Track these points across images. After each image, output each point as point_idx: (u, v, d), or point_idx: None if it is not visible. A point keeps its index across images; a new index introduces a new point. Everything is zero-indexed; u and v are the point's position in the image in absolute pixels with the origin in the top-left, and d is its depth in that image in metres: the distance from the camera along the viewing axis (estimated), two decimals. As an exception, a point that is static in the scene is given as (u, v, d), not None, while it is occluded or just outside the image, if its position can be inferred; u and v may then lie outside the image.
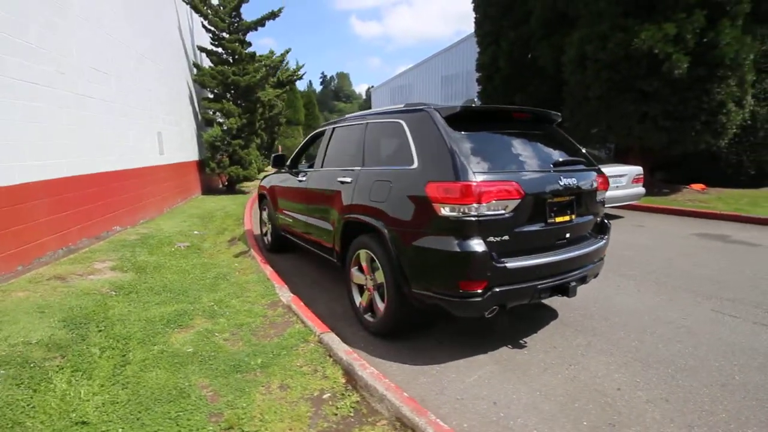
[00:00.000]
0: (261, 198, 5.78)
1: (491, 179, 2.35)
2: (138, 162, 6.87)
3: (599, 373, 2.49)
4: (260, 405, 2.11)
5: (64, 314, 2.99)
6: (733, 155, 9.30)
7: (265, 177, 5.87)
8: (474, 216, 2.29)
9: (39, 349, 2.47)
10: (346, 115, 3.96)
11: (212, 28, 10.46)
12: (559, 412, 2.13)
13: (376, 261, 2.82)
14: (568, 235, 2.70)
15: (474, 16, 12.31)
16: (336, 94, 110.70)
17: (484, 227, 2.32)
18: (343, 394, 2.23)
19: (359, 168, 3.17)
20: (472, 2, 12.23)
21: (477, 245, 2.29)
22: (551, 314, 3.33)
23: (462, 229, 2.31)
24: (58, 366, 2.32)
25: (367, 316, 3.05)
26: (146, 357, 2.49)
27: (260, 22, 10.69)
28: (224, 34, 10.68)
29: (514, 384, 2.38)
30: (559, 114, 3.11)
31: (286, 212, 4.68)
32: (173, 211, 8.47)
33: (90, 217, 5.27)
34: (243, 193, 12.12)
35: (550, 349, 2.79)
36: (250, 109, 11.22)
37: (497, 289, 2.36)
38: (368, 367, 2.32)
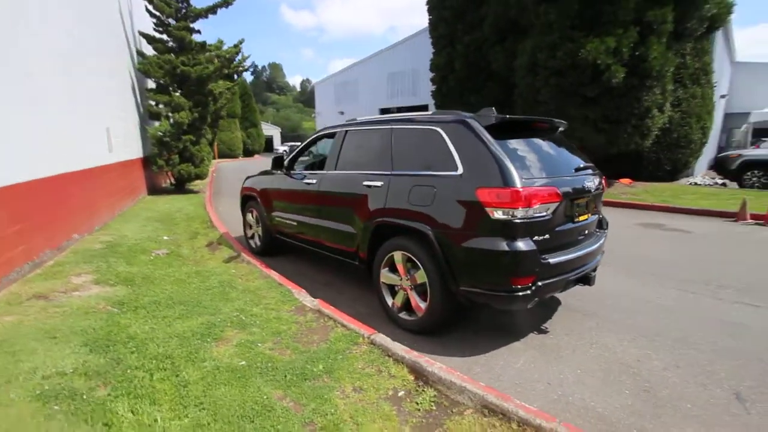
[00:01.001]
0: (245, 200, 5.55)
1: (536, 184, 2.61)
2: (89, 161, 6.17)
3: (617, 349, 2.90)
4: (345, 409, 2.17)
5: (82, 338, 2.71)
6: (653, 153, 10.81)
7: (247, 178, 5.65)
8: (523, 218, 2.54)
9: (78, 378, 2.25)
10: (357, 119, 4.00)
11: (157, 13, 9.58)
12: (602, 384, 2.48)
13: (417, 262, 2.96)
14: (586, 232, 3.08)
15: (428, 17, 12.70)
16: (269, 85, 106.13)
17: (531, 228, 2.58)
18: (417, 390, 2.36)
19: (389, 172, 3.26)
20: (427, 4, 12.61)
21: (527, 244, 2.55)
22: (556, 301, 3.74)
23: (513, 230, 2.54)
24: (110, 395, 2.14)
25: (403, 315, 3.18)
26: (203, 375, 2.39)
27: (212, 10, 10.01)
28: (171, 21, 9.84)
29: (556, 365, 2.69)
30: (565, 122, 3.48)
31: (285, 215, 4.59)
32: (126, 215, 7.72)
33: (50, 226, 4.68)
34: (193, 192, 11.34)
35: (569, 332, 3.16)
36: (201, 102, 10.49)
37: (540, 283, 2.64)
38: (435, 363, 2.47)
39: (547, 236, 2.67)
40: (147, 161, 10.35)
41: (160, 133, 9.92)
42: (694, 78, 10.61)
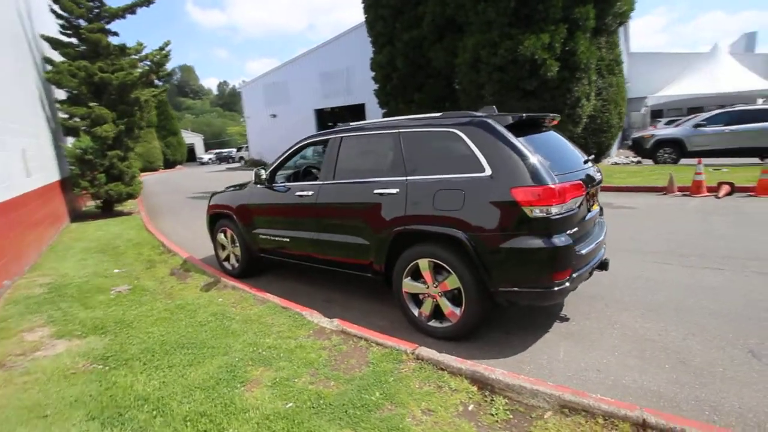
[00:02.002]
0: (215, 219, 5.04)
1: (566, 179, 2.68)
2: (10, 191, 5.16)
3: (635, 326, 3.11)
4: (426, 436, 2.04)
5: (82, 410, 2.22)
6: (582, 139, 11.87)
7: (214, 195, 5.13)
8: (559, 213, 2.59)
9: (105, 462, 1.84)
10: (351, 124, 3.80)
11: (65, 14, 8.27)
12: (643, 363, 2.63)
13: (447, 267, 2.89)
14: (597, 220, 3.25)
15: (365, 15, 12.61)
16: (181, 89, 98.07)
17: (565, 222, 2.65)
18: (486, 401, 2.30)
19: (403, 178, 3.14)
20: (363, 2, 12.49)
21: (565, 239, 2.61)
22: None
23: (551, 226, 2.58)
24: (153, 474, 1.78)
25: (433, 323, 3.10)
26: (255, 428, 2.09)
27: (130, 9, 8.89)
28: (81, 22, 8.57)
29: (595, 351, 2.80)
30: (559, 116, 3.63)
31: (273, 232, 4.23)
32: (55, 249, 6.61)
33: (-24, 276, 3.81)
34: (125, 214, 10.09)
35: (587, 316, 3.32)
36: (126, 112, 9.33)
37: (575, 275, 2.73)
38: (495, 369, 2.43)
39: (576, 229, 2.76)
40: (65, 183, 8.99)
41: (80, 150, 8.65)
42: (610, 68, 11.88)
